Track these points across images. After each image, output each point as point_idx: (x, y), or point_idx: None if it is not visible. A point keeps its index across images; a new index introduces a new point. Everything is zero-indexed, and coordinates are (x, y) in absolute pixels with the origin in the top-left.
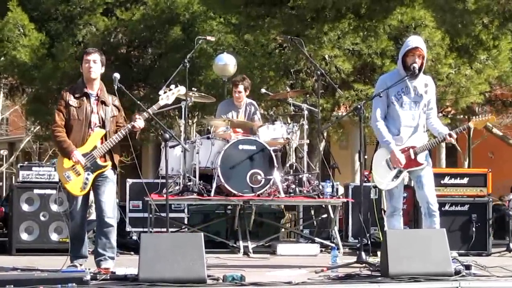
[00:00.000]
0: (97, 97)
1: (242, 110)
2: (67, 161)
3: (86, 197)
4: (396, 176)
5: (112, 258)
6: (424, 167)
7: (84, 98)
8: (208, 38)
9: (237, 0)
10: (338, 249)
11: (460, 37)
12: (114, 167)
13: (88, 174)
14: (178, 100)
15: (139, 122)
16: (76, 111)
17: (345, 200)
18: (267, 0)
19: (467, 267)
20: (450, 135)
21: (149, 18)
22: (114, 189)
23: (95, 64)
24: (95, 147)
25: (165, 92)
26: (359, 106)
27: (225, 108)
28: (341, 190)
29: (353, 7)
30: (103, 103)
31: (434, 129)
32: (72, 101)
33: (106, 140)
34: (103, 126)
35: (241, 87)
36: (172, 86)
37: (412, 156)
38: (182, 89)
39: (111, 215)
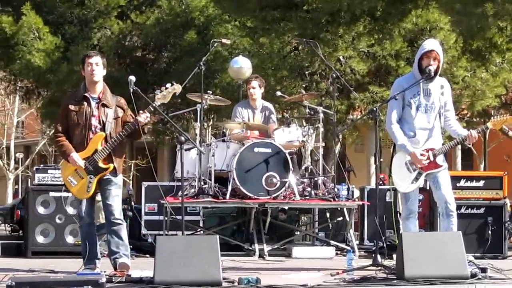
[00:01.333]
0: (98, 100)
1: (257, 111)
2: (69, 166)
3: (91, 200)
4: (416, 179)
5: (127, 255)
6: (443, 169)
7: (84, 102)
8: (224, 41)
9: (252, 4)
10: (353, 252)
11: (474, 41)
12: (115, 170)
13: (91, 178)
14: (193, 103)
15: (142, 116)
16: (76, 115)
17: (360, 203)
18: (282, 3)
19: (483, 270)
20: (469, 135)
21: (164, 21)
22: (120, 192)
23: (97, 67)
24: (96, 150)
25: (161, 91)
26: (374, 109)
27: (241, 109)
28: (356, 193)
29: (368, 10)
30: (105, 105)
31: (454, 131)
32: (72, 106)
33: (106, 142)
34: (103, 128)
35: (254, 83)
36: (168, 85)
37: (432, 158)
38: (178, 87)
39: (119, 216)
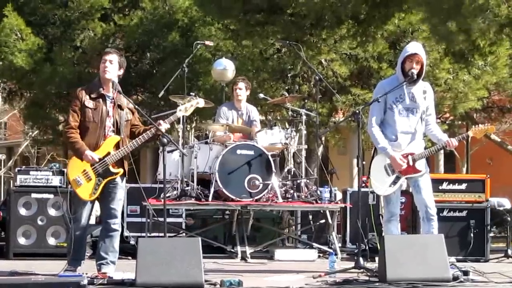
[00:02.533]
0: (113, 100)
1: (242, 113)
2: (78, 166)
3: (92, 202)
4: (394, 182)
5: (113, 263)
6: (422, 174)
7: (101, 99)
8: (207, 43)
9: (235, 9)
10: (336, 254)
11: (454, 48)
12: (123, 174)
13: (99, 180)
14: (175, 105)
15: (164, 126)
16: (92, 113)
17: (343, 205)
18: (265, 8)
19: (465, 272)
20: (449, 142)
21: (148, 23)
22: (123, 196)
23: (111, 65)
24: (108, 153)
25: (183, 104)
26: (357, 112)
27: (225, 110)
28: (339, 196)
29: (352, 14)
30: (119, 106)
31: (434, 135)
32: (88, 102)
33: (119, 146)
34: (117, 130)
35: (241, 85)
36: (192, 98)
37: (411, 163)
38: (201, 102)
39: (118, 222)
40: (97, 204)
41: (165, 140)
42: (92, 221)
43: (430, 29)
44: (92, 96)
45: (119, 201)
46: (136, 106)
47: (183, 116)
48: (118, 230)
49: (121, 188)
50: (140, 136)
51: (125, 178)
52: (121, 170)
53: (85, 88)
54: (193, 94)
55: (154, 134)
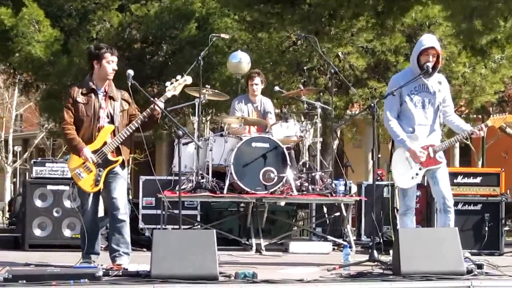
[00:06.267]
0: (105, 93)
1: (257, 106)
2: (78, 158)
3: (97, 193)
4: (416, 174)
5: (127, 254)
6: (442, 165)
7: (92, 94)
8: (222, 35)
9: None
10: (350, 247)
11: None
12: (123, 163)
13: (100, 171)
14: (192, 98)
15: (159, 104)
16: (84, 107)
17: (358, 198)
18: None
19: (479, 266)
20: (475, 132)
21: (164, 14)
22: (126, 185)
23: (116, 66)
24: (105, 143)
25: (171, 83)
26: (372, 105)
27: (240, 103)
28: (354, 189)
29: (371, 5)
30: (111, 98)
31: (456, 126)
32: (80, 98)
33: (115, 135)
34: (111, 121)
35: (257, 80)
36: (178, 77)
37: (432, 155)
38: (188, 79)
39: (124, 211)
40: None
41: (180, 132)
42: (101, 213)
43: (453, 26)
44: (83, 92)
45: (121, 191)
46: (152, 98)
47: (199, 109)
48: (125, 221)
49: (122, 178)
50: (137, 118)
51: (126, 168)
52: (120, 158)
53: (77, 85)
54: (209, 86)
55: (150, 114)
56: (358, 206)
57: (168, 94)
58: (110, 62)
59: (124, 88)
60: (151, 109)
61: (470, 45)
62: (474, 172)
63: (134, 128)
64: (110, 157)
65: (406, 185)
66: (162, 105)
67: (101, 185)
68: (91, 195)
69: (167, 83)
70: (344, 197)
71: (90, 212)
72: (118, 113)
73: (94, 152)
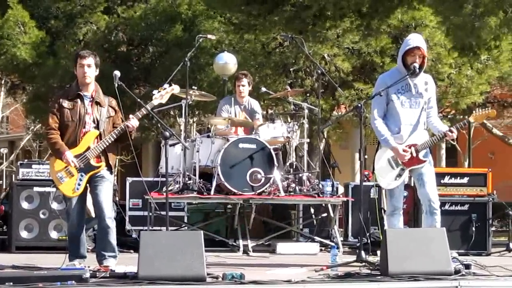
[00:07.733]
0: (91, 99)
1: (244, 107)
2: (60, 162)
3: (82, 197)
4: (399, 175)
5: (114, 257)
6: (425, 165)
7: (78, 100)
8: (209, 36)
9: (238, 0)
10: (337, 248)
11: (466, 41)
12: (109, 167)
13: (82, 175)
14: (178, 99)
15: (133, 122)
16: (70, 112)
17: (345, 199)
18: None
19: (467, 266)
20: (450, 131)
21: (151, 16)
22: (111, 188)
23: (89, 69)
24: (88, 148)
25: (158, 91)
26: (359, 105)
27: (227, 104)
28: (341, 189)
29: (355, 6)
30: (98, 104)
31: (434, 127)
32: (65, 103)
33: (100, 140)
34: (97, 127)
35: (244, 81)
36: (166, 85)
37: (414, 154)
38: (176, 88)
39: (110, 215)
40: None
41: (167, 133)
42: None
43: (442, 20)
44: (69, 97)
45: (106, 194)
46: (139, 100)
47: (185, 110)
48: (110, 227)
49: (108, 181)
50: (112, 132)
51: (113, 172)
52: (103, 164)
53: (62, 92)
54: (195, 88)
55: (124, 131)
56: (345, 207)
57: (155, 102)
58: (81, 67)
59: (111, 89)
60: (125, 125)
61: (459, 45)
62: (461, 172)
63: (115, 137)
64: (93, 162)
65: (388, 186)
66: (135, 123)
67: (81, 190)
68: (74, 199)
69: (155, 91)
70: (331, 198)
71: (74, 216)
72: (104, 119)
73: (77, 156)
